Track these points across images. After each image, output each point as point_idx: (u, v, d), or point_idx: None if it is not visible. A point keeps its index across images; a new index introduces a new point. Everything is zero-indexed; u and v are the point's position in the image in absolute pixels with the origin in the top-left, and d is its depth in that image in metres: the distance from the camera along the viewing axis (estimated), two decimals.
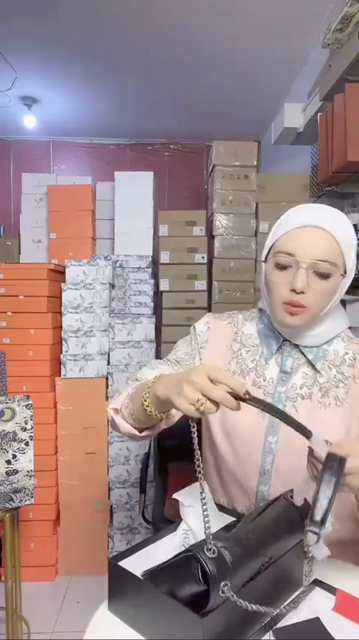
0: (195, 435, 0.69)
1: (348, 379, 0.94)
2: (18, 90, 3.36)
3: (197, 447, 0.68)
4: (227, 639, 0.62)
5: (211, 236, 2.62)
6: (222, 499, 1.01)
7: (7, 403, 1.59)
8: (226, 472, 0.99)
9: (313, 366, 0.95)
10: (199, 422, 0.77)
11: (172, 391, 0.72)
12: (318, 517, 0.63)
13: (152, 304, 2.55)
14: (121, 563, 0.74)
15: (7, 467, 1.59)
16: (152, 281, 2.58)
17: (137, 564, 0.73)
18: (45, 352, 2.28)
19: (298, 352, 0.96)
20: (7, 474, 1.60)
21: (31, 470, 1.63)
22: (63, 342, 2.37)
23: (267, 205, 2.54)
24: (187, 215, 2.61)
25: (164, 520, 1.63)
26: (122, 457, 2.38)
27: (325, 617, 0.70)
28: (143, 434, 0.90)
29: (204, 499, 0.66)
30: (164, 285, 2.57)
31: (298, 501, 0.76)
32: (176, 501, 0.84)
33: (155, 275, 2.66)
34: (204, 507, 0.65)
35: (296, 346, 0.96)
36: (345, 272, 0.90)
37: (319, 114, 2.12)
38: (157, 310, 2.58)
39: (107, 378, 2.39)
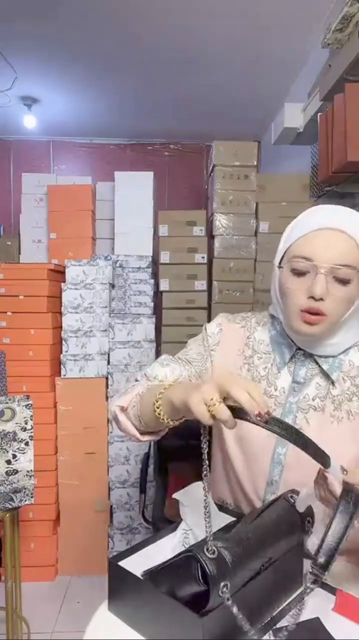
0: (205, 447, 0.65)
1: None
2: (18, 90, 3.36)
3: (207, 457, 0.65)
4: (227, 639, 0.62)
5: (211, 236, 2.62)
6: (229, 501, 1.00)
7: (7, 403, 1.59)
8: (234, 478, 0.96)
9: (327, 377, 0.90)
10: (210, 431, 0.73)
11: (189, 394, 0.66)
12: (322, 559, 0.59)
13: (152, 304, 2.55)
14: (121, 563, 0.74)
15: (7, 467, 1.59)
16: (152, 281, 2.58)
17: (137, 564, 0.73)
18: (45, 352, 2.28)
19: (312, 362, 0.91)
20: (7, 474, 1.59)
21: (31, 470, 1.63)
22: (63, 342, 2.37)
23: (267, 205, 2.54)
24: (187, 215, 2.61)
25: (164, 520, 1.64)
26: (122, 457, 2.39)
27: (325, 617, 0.70)
28: (145, 438, 0.87)
29: (206, 500, 0.65)
30: (164, 285, 2.57)
31: (301, 508, 0.75)
32: (176, 501, 0.84)
33: (155, 275, 2.66)
34: (206, 508, 0.65)
35: (310, 355, 0.91)
36: None
37: (319, 114, 2.12)
38: (157, 310, 2.58)
39: (107, 378, 2.39)
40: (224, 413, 0.63)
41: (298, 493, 0.76)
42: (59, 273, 2.44)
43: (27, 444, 1.62)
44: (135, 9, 2.44)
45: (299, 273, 0.84)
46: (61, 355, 2.36)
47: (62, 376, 2.35)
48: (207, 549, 0.61)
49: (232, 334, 1.00)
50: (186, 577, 0.62)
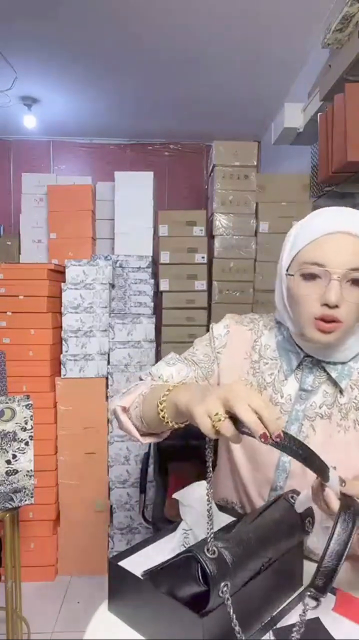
0: (210, 455, 0.63)
1: None
2: (18, 90, 3.36)
3: (211, 466, 0.63)
4: (227, 639, 0.62)
5: (211, 236, 2.62)
6: (234, 501, 0.99)
7: (7, 403, 1.59)
8: (239, 481, 0.96)
9: (335, 384, 0.88)
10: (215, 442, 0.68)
11: (194, 403, 0.63)
12: (320, 582, 0.56)
13: (152, 304, 2.55)
14: (121, 563, 0.74)
15: (7, 467, 1.59)
16: (152, 281, 2.58)
17: (137, 564, 0.72)
18: (45, 352, 2.28)
19: (320, 369, 0.89)
20: (7, 474, 1.59)
21: (31, 470, 1.63)
22: (63, 342, 2.37)
23: (267, 205, 2.54)
24: (187, 215, 2.61)
25: (164, 520, 1.64)
26: (122, 457, 2.38)
27: (325, 617, 0.70)
28: (146, 440, 0.85)
29: (209, 504, 0.65)
30: (164, 285, 2.57)
31: (301, 509, 0.75)
32: (176, 501, 0.84)
33: (155, 275, 2.66)
34: (209, 511, 0.64)
35: (318, 362, 0.89)
36: None
37: (319, 114, 2.12)
38: (157, 310, 2.58)
39: (107, 378, 2.39)
40: (229, 430, 0.59)
41: (298, 493, 0.76)
42: (59, 273, 2.44)
43: (27, 444, 1.62)
44: (135, 9, 2.44)
45: (310, 279, 0.81)
46: (61, 355, 2.36)
47: (62, 376, 2.35)
48: (207, 549, 0.61)
49: (240, 336, 0.98)
50: (186, 577, 0.62)
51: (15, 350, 2.22)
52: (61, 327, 2.38)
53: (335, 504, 0.64)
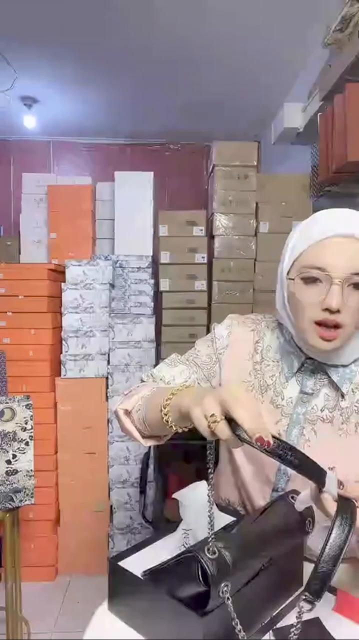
0: (211, 457, 0.63)
1: None
2: (18, 90, 3.36)
3: (212, 467, 0.63)
4: (228, 639, 0.62)
5: (211, 236, 2.61)
6: (235, 501, 0.99)
7: (7, 403, 1.59)
8: (240, 483, 0.95)
9: (336, 388, 0.87)
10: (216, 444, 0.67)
11: (193, 404, 0.63)
12: (316, 586, 0.55)
13: (152, 304, 2.55)
14: (121, 563, 0.74)
15: (7, 467, 1.59)
16: (152, 281, 2.58)
17: (137, 564, 0.72)
18: (45, 352, 2.28)
19: (321, 372, 0.88)
20: (7, 474, 1.59)
21: (31, 470, 1.63)
22: (63, 342, 2.37)
23: (267, 205, 2.54)
24: (187, 215, 2.61)
25: (164, 520, 1.64)
26: (122, 457, 2.38)
27: (325, 617, 0.70)
28: (148, 443, 0.84)
29: (210, 506, 0.65)
30: (164, 285, 2.57)
31: (301, 509, 0.75)
32: (176, 501, 0.84)
33: (155, 275, 2.66)
34: (210, 509, 0.64)
35: (320, 365, 0.88)
36: None
37: (319, 114, 2.12)
38: (157, 310, 2.58)
39: (107, 378, 2.39)
40: (224, 432, 0.58)
41: (298, 493, 0.76)
42: (59, 273, 2.44)
43: (27, 444, 1.62)
44: (135, 9, 2.44)
45: (311, 283, 0.80)
46: (61, 355, 2.36)
47: (62, 376, 2.35)
48: (208, 549, 0.61)
49: (242, 337, 0.97)
50: (186, 577, 0.62)
51: (15, 350, 2.22)
52: (61, 327, 2.38)
53: (332, 508, 0.63)
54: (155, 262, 2.70)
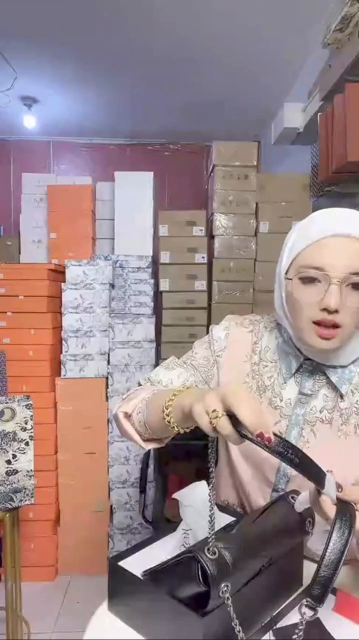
0: (213, 458, 0.62)
1: None
2: (18, 90, 3.36)
3: (213, 467, 0.63)
4: (228, 639, 0.62)
5: (211, 236, 2.61)
6: (235, 502, 0.98)
7: (7, 403, 1.59)
8: (239, 484, 0.95)
9: (335, 389, 0.86)
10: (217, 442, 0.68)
11: (196, 399, 0.63)
12: (317, 591, 0.55)
13: (152, 304, 2.55)
14: (121, 563, 0.74)
15: (7, 467, 1.59)
16: (152, 281, 2.58)
17: (137, 564, 0.72)
18: (45, 352, 2.28)
19: (320, 373, 0.88)
20: (7, 474, 1.59)
21: (31, 470, 1.63)
22: (63, 342, 2.37)
23: (267, 205, 2.54)
24: (187, 215, 2.61)
25: (164, 520, 1.63)
26: (122, 457, 2.38)
27: (325, 617, 0.70)
28: (148, 446, 0.84)
29: (211, 506, 0.65)
30: (164, 285, 2.57)
31: (301, 509, 0.74)
32: (176, 501, 0.84)
33: (155, 275, 2.66)
34: (211, 509, 0.64)
35: (318, 365, 0.87)
36: None
37: (319, 114, 2.12)
38: (157, 310, 2.58)
39: (107, 378, 2.39)
40: (225, 428, 0.58)
41: (298, 494, 0.76)
42: (59, 273, 2.44)
43: (27, 444, 1.62)
44: (135, 9, 2.44)
45: (309, 283, 0.79)
46: (61, 355, 2.36)
47: (62, 376, 2.35)
48: (208, 550, 0.61)
49: (240, 338, 0.96)
50: (186, 577, 0.62)
51: (15, 350, 2.21)
52: (61, 327, 2.38)
53: (331, 511, 0.63)
54: (155, 262, 2.70)
